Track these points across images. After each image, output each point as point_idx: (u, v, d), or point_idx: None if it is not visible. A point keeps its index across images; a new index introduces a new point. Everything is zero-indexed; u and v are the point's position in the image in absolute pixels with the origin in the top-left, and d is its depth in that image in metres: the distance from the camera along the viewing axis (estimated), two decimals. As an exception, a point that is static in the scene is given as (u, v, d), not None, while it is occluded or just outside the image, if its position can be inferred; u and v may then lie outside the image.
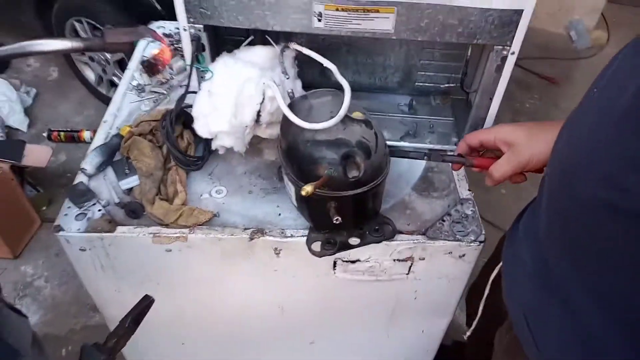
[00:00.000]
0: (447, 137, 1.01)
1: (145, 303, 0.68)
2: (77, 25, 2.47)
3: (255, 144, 0.99)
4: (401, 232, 0.85)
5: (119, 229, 0.84)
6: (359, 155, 0.73)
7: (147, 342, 1.10)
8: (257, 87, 0.80)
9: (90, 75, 2.68)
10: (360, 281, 0.91)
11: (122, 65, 2.45)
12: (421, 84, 1.09)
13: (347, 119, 0.76)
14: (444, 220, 0.87)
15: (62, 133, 2.49)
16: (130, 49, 0.64)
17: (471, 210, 0.89)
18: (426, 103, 1.09)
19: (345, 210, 0.77)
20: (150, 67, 0.67)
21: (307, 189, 0.68)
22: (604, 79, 0.49)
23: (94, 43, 0.65)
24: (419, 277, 0.91)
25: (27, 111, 2.65)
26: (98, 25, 2.39)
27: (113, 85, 2.59)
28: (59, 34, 2.54)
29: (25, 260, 2.01)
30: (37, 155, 2.18)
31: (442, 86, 1.05)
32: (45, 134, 2.49)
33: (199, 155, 0.94)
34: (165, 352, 1.16)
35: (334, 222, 0.74)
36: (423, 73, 1.07)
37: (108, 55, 2.47)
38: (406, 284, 0.92)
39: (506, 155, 0.77)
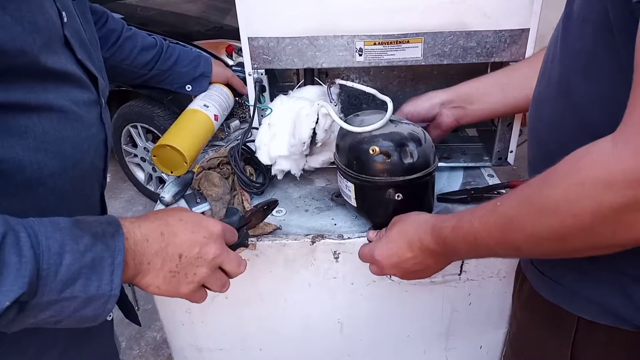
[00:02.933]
0: (479, 156, 1.12)
1: (273, 200, 0.85)
2: (132, 130, 2.79)
3: (307, 176, 1.12)
4: (449, 230, 0.93)
5: (195, 241, 0.94)
6: (411, 143, 0.84)
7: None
8: (312, 107, 0.95)
9: (141, 175, 2.94)
10: (416, 285, 0.96)
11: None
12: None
13: (396, 122, 0.89)
14: (487, 219, 0.95)
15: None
16: None
17: (511, 209, 0.97)
18: (455, 136, 1.22)
19: (402, 198, 0.86)
20: None
21: (375, 147, 0.78)
22: None
23: None
24: (471, 276, 0.96)
25: (82, 212, 2.87)
26: (152, 129, 2.69)
27: (161, 181, 2.82)
28: (115, 142, 2.85)
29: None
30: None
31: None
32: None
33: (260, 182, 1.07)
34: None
35: (396, 198, 0.83)
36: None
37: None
38: (459, 287, 0.97)
39: None
